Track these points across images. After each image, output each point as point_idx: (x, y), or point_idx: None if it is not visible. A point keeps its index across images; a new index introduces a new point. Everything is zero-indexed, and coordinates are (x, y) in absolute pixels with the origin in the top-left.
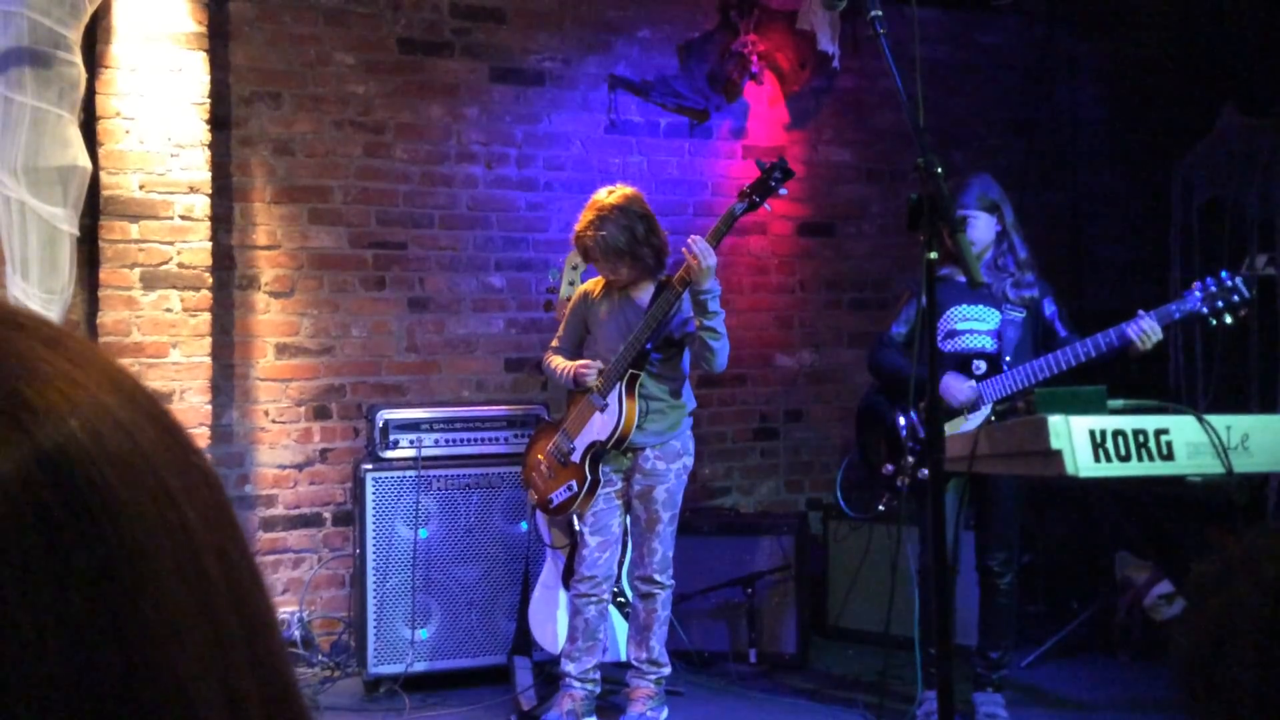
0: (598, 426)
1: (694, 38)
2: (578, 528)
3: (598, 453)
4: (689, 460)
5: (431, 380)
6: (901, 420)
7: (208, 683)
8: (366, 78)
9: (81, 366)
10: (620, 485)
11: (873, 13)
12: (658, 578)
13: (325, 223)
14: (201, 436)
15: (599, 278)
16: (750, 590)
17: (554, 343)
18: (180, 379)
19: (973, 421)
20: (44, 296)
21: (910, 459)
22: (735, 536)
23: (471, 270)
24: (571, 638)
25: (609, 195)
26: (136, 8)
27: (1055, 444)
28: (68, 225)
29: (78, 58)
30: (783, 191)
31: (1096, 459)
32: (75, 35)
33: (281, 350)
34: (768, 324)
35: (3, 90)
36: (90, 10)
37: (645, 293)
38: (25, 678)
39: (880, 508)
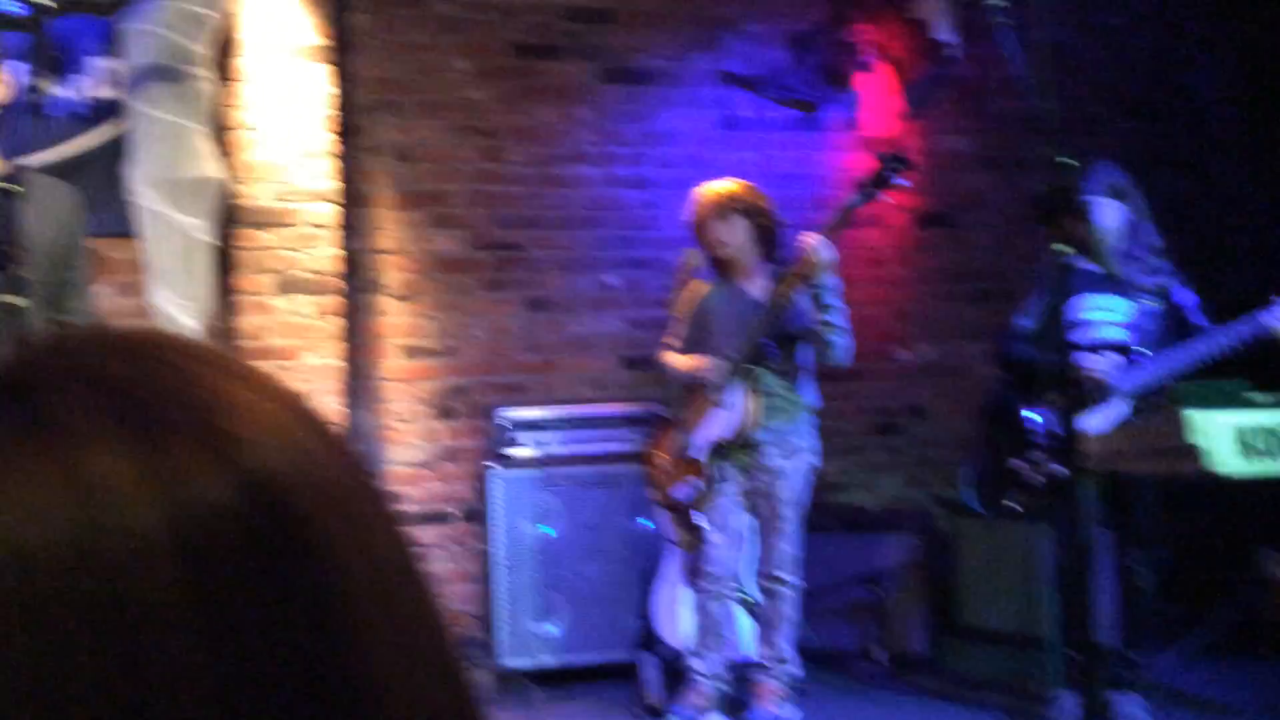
0: (718, 423)
1: (804, 30)
2: (701, 525)
3: (719, 449)
4: (813, 457)
5: (551, 379)
6: (1032, 415)
7: (407, 697)
8: (482, 83)
9: (269, 398)
10: (743, 482)
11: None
12: (783, 576)
13: (446, 226)
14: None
15: (708, 278)
16: (877, 588)
17: (669, 340)
18: (313, 381)
19: (1103, 413)
20: (183, 304)
21: (1042, 454)
22: (860, 533)
23: (588, 269)
24: (698, 634)
25: (724, 186)
26: (264, 23)
27: (1197, 440)
28: (204, 234)
29: (209, 72)
30: (901, 183)
31: (1243, 456)
32: (207, 51)
33: (407, 352)
34: (885, 317)
35: (140, 106)
36: (219, 25)
37: (760, 286)
38: (247, 702)
39: (1010, 504)
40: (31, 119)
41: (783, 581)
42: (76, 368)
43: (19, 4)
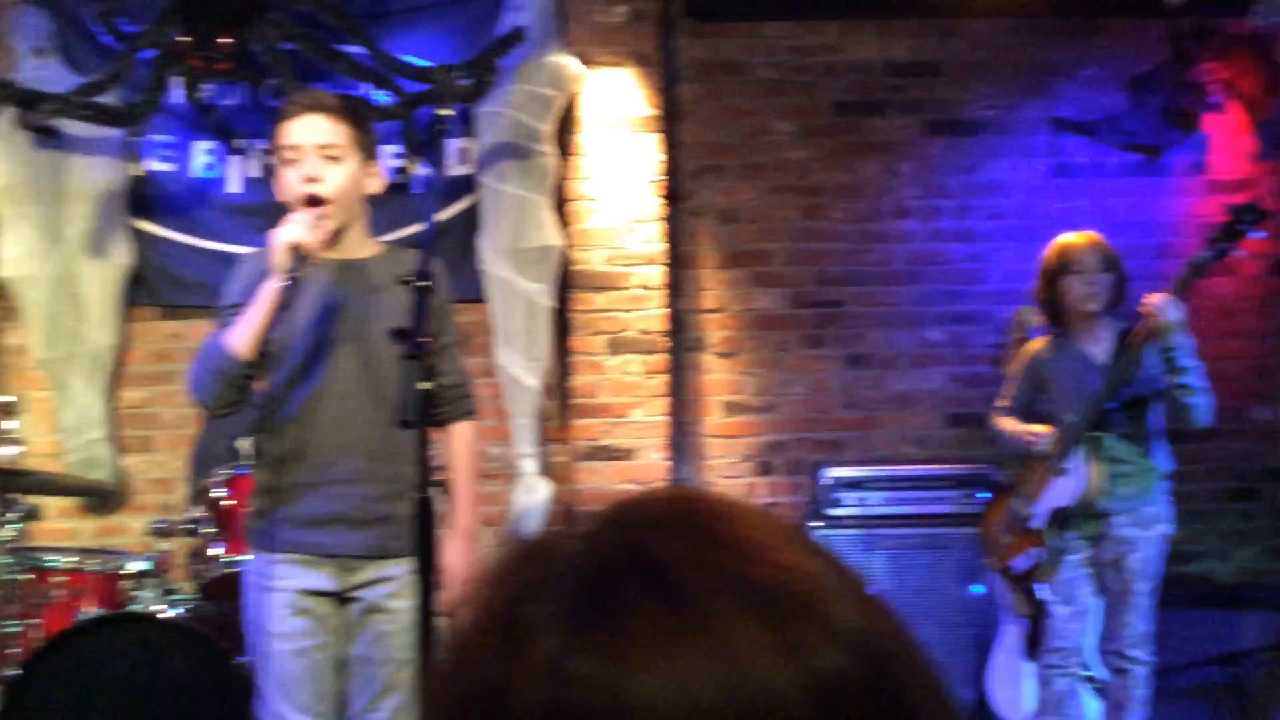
0: (1059, 492)
1: (1144, 71)
2: (1042, 596)
3: (1061, 519)
4: (1166, 527)
5: (871, 436)
6: None
7: None
8: (803, 143)
9: (830, 565)
10: (1090, 553)
11: None
12: (1134, 653)
13: (766, 285)
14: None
15: (1044, 336)
16: (1236, 670)
17: (1002, 402)
18: (641, 437)
19: None
20: (526, 363)
21: None
22: (1216, 609)
23: (909, 325)
24: (1040, 711)
25: (1087, 237)
26: (600, 99)
27: None
28: (545, 299)
29: (551, 148)
30: (1256, 234)
31: None
32: (548, 128)
33: (728, 408)
34: (1239, 373)
35: (489, 182)
36: (561, 104)
37: (1099, 344)
38: None
39: None
40: (398, 198)
41: (1134, 659)
42: (693, 550)
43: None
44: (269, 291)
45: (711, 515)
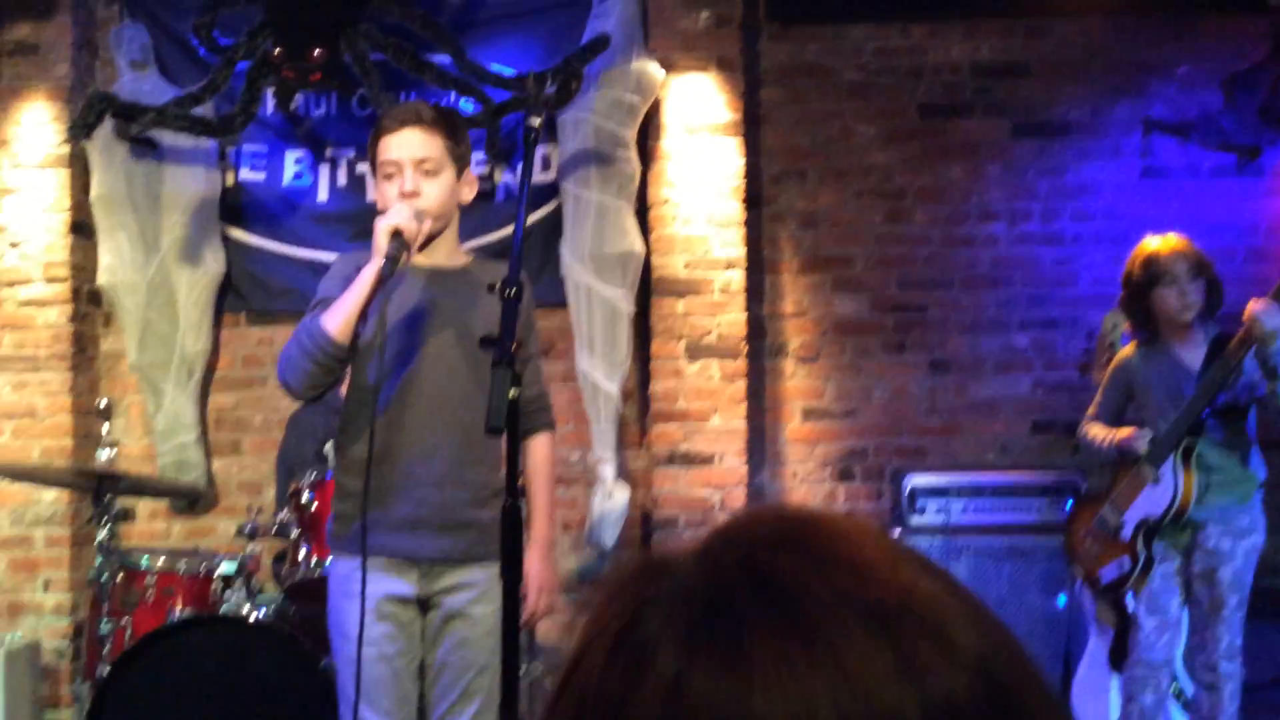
0: (1150, 501)
1: (1241, 70)
2: (1130, 607)
3: (1151, 529)
4: (1259, 539)
5: (953, 443)
6: None
7: None
8: (887, 146)
9: (945, 584)
10: (1179, 563)
11: None
12: (1223, 666)
13: (848, 289)
14: (738, 497)
15: (1135, 341)
16: None
17: (1091, 410)
18: (720, 443)
19: None
20: (606, 369)
21: None
22: None
23: (994, 330)
24: None
25: (1181, 241)
26: (682, 104)
27: None
28: (625, 304)
29: (633, 153)
30: None
31: None
32: (631, 134)
33: (808, 414)
34: None
35: (572, 188)
36: (644, 110)
37: (1193, 350)
38: None
39: None
40: (482, 204)
41: (1224, 673)
42: (812, 569)
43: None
44: (369, 274)
45: (824, 533)
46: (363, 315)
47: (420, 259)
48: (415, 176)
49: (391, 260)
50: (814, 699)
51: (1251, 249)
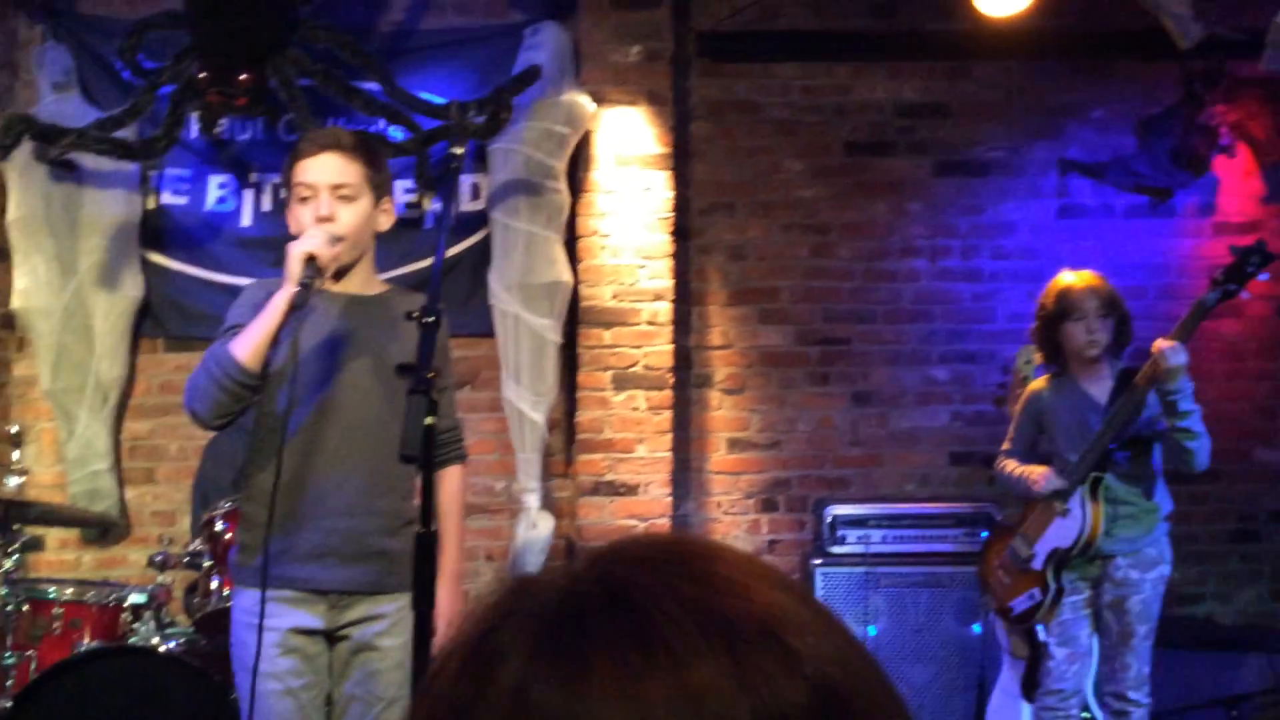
0: (1060, 532)
1: (1154, 113)
2: (1041, 637)
3: (1061, 560)
4: (1166, 569)
5: (874, 473)
6: None
7: None
8: (813, 182)
9: (806, 605)
10: (1089, 594)
11: None
12: (1132, 695)
13: (774, 322)
14: (662, 527)
15: (1047, 375)
16: (1235, 714)
17: (1005, 445)
18: (645, 473)
19: None
20: (533, 399)
21: None
22: (1215, 651)
23: (914, 363)
24: None
25: (1092, 278)
26: (612, 136)
27: None
28: (553, 334)
29: (563, 184)
30: (1263, 276)
31: None
32: (561, 165)
33: (733, 444)
34: (1245, 415)
35: (501, 218)
36: (574, 141)
37: (1100, 385)
38: None
39: None
40: (410, 232)
41: (1131, 701)
42: (664, 583)
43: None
44: (280, 300)
45: (690, 554)
46: (274, 342)
47: (336, 286)
48: (331, 201)
49: (304, 286)
50: (651, 706)
51: (1162, 287)
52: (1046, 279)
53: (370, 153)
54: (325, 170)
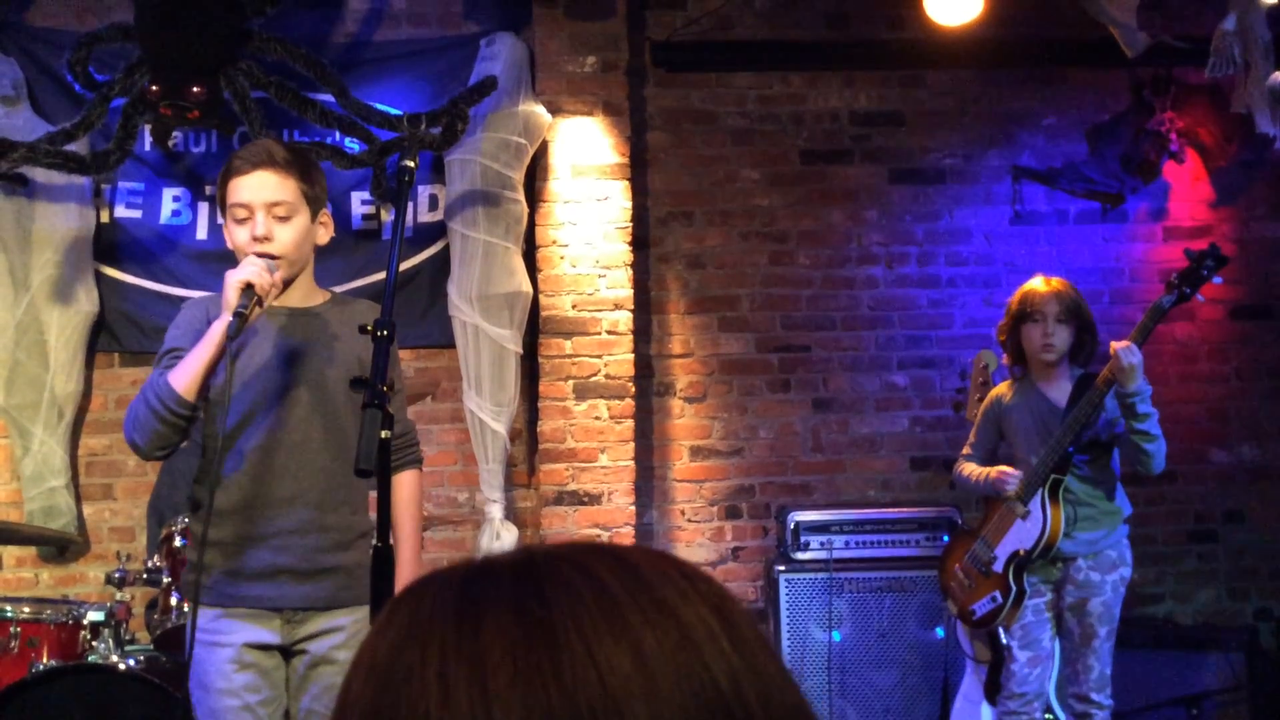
0: (1020, 535)
1: (1104, 120)
2: (1003, 640)
3: (1021, 563)
4: (1126, 571)
5: (837, 479)
6: None
7: None
8: (770, 190)
9: (723, 622)
10: (1050, 597)
11: None
12: (1094, 696)
13: (734, 330)
14: (626, 536)
15: (1008, 380)
16: (1195, 712)
17: (965, 450)
18: (608, 482)
19: None
20: (494, 409)
21: None
22: (1175, 651)
23: (874, 370)
24: None
25: (1055, 283)
26: (569, 147)
27: None
28: (513, 345)
29: (521, 195)
30: (1216, 280)
31: None
32: (519, 176)
33: (695, 452)
34: (1199, 416)
35: (459, 228)
36: (531, 152)
37: (1058, 388)
38: None
39: None
40: (368, 243)
41: (1094, 703)
42: (576, 568)
43: (359, 143)
44: (217, 331)
45: (617, 555)
46: (213, 369)
47: (277, 301)
48: (267, 221)
49: (240, 316)
50: (567, 688)
51: (1117, 291)
52: (1003, 284)
53: (305, 166)
54: (260, 189)
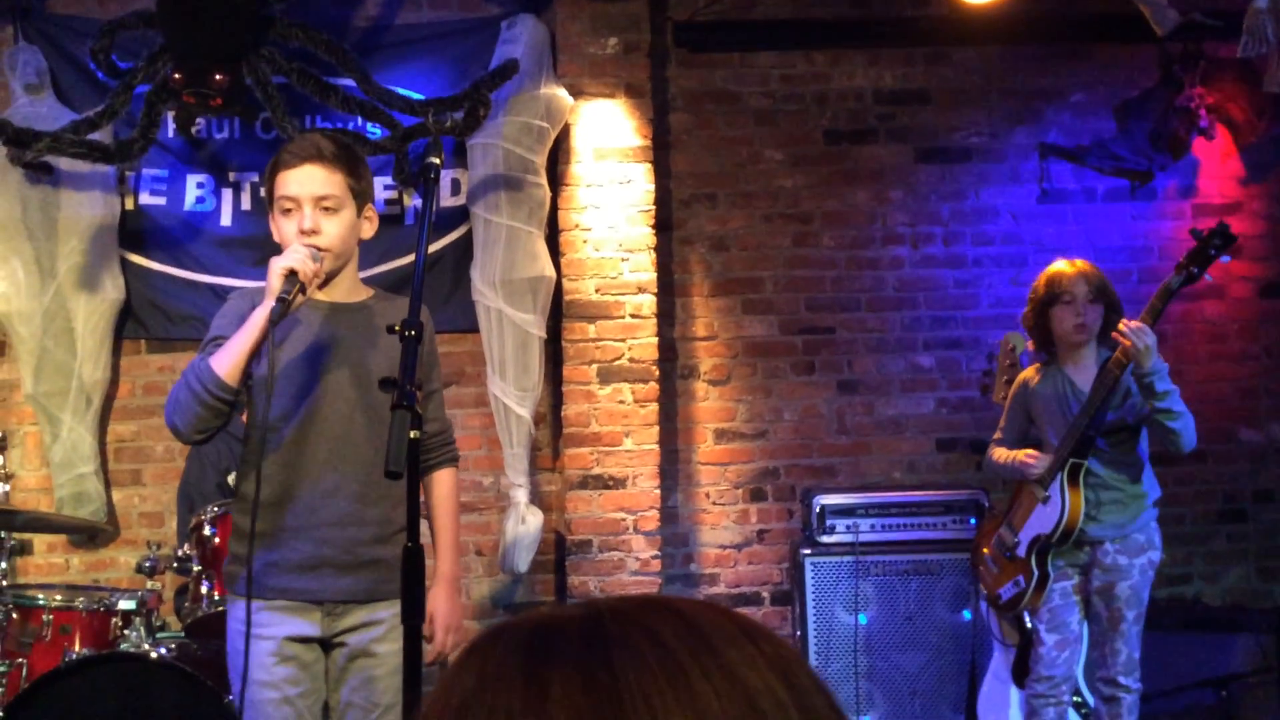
0: (1040, 519)
1: (1132, 96)
2: (1029, 624)
3: (1043, 547)
4: (1155, 554)
5: (862, 461)
6: None
7: None
8: (794, 171)
9: (769, 657)
10: (1078, 580)
11: None
12: (1122, 680)
13: (758, 312)
14: (651, 519)
15: (1035, 364)
16: (1224, 693)
17: (996, 434)
18: (633, 465)
19: None
20: (518, 394)
21: None
22: (1204, 632)
23: (899, 351)
24: None
25: (1083, 265)
26: (592, 130)
27: None
28: (537, 329)
29: (543, 179)
30: (1224, 259)
31: None
32: (541, 160)
33: (720, 435)
34: (1228, 395)
35: (481, 213)
36: (553, 135)
37: (1084, 372)
38: None
39: None
40: (391, 229)
41: (1122, 686)
42: (643, 632)
43: (382, 129)
44: (259, 316)
45: (674, 608)
46: (256, 356)
47: (319, 295)
48: (314, 214)
49: (283, 301)
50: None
51: (1145, 270)
52: (1030, 264)
53: (352, 161)
54: (308, 182)
